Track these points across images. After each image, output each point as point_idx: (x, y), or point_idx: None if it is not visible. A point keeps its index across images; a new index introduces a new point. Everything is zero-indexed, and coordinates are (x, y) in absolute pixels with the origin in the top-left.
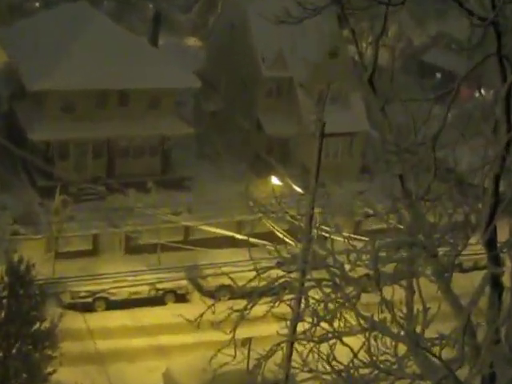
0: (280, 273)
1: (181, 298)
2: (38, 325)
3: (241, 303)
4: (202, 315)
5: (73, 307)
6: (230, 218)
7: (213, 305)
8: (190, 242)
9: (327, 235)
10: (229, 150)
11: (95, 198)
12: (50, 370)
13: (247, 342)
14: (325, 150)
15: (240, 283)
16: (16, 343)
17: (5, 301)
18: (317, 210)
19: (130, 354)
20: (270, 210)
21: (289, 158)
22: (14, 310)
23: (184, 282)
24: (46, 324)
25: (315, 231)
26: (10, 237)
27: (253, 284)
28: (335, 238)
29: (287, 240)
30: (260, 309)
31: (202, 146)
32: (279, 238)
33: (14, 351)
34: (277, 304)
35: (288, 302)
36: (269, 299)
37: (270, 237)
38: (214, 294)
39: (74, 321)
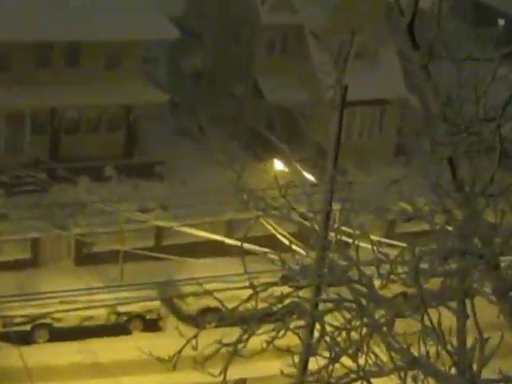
0: (286, 290)
1: (151, 325)
2: None
3: (233, 333)
4: (180, 351)
5: (5, 338)
6: (218, 217)
7: (195, 336)
8: (164, 249)
9: (350, 240)
10: (216, 124)
11: (35, 190)
12: None
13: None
14: (347, 125)
15: (231, 305)
16: None
17: None
18: (335, 206)
19: None
20: (272, 205)
21: (297, 135)
22: None
23: (155, 304)
24: None
25: (333, 235)
26: None
27: (249, 306)
28: (360, 243)
29: (295, 246)
30: (259, 340)
31: (180, 119)
32: (284, 243)
33: None
34: (281, 333)
35: (296, 331)
36: (271, 327)
37: (271, 242)
38: (196, 321)
39: (7, 356)
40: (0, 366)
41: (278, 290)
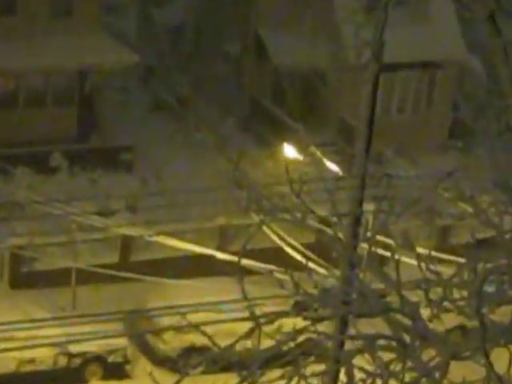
0: (300, 323)
1: (115, 370)
2: None
3: (227, 381)
4: None
5: None
6: (207, 223)
7: None
8: (133, 267)
9: (387, 254)
10: (204, 95)
11: None
12: None
13: None
14: (383, 96)
15: (225, 343)
16: None
17: None
18: (368, 207)
19: None
20: (281, 206)
21: (315, 111)
22: None
23: (121, 342)
24: None
25: (365, 246)
26: None
27: (249, 345)
28: (402, 258)
29: (312, 263)
30: None
31: (155, 90)
32: (297, 259)
33: None
34: (294, 382)
35: (314, 379)
36: (279, 373)
37: (279, 257)
38: (176, 364)
39: None
40: None
41: (288, 323)
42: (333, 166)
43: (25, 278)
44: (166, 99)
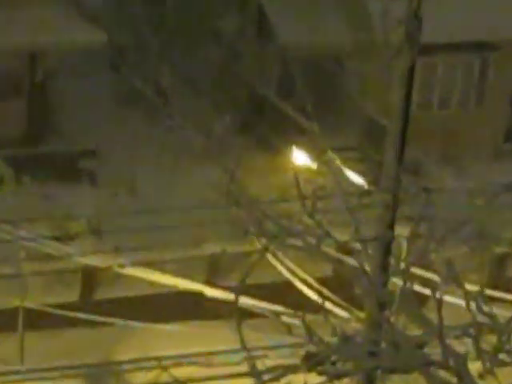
0: (313, 381)
1: None
2: None
3: None
4: None
5: None
6: (194, 250)
7: None
8: (97, 307)
9: (427, 291)
10: (192, 85)
11: None
12: None
13: None
14: (421, 86)
15: None
16: None
17: None
18: (401, 231)
19: None
20: (290, 229)
21: (333, 105)
22: None
23: None
24: None
25: (397, 281)
26: None
27: None
28: (446, 296)
29: (330, 303)
30: None
31: (126, 78)
32: (310, 297)
33: None
34: None
35: None
36: None
37: (287, 294)
38: None
39: None
40: None
41: (298, 381)
42: (356, 177)
43: None
44: (141, 90)
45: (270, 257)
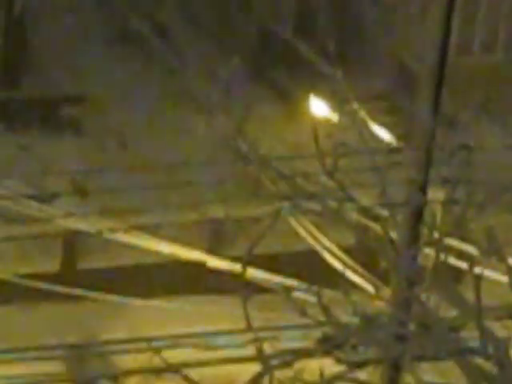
0: (330, 367)
1: None
2: None
3: None
4: None
5: None
6: (194, 214)
7: None
8: (81, 278)
9: (464, 265)
10: (193, 20)
11: None
12: None
13: None
14: (463, 26)
15: None
16: None
17: None
18: (435, 195)
19: None
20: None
21: (359, 47)
22: None
23: None
24: None
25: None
26: None
27: None
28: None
29: (351, 275)
30: None
31: (120, 11)
32: (329, 269)
33: None
34: None
35: None
36: None
37: (301, 266)
38: None
39: None
40: None
41: (313, 367)
42: (383, 132)
43: None
44: (134, 26)
45: (282, 222)
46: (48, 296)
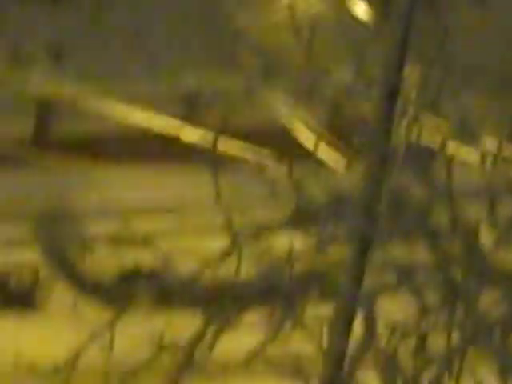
0: (299, 242)
1: (18, 298)
2: None
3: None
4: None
5: None
6: (176, 84)
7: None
8: (52, 145)
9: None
10: None
11: None
12: None
13: None
14: None
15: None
16: None
17: None
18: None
19: None
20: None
21: None
22: None
23: (29, 258)
24: None
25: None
26: None
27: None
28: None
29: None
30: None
31: None
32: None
33: None
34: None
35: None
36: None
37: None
38: (111, 295)
39: None
40: None
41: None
42: (361, 7)
43: None
44: None
45: (258, 96)
46: (15, 165)
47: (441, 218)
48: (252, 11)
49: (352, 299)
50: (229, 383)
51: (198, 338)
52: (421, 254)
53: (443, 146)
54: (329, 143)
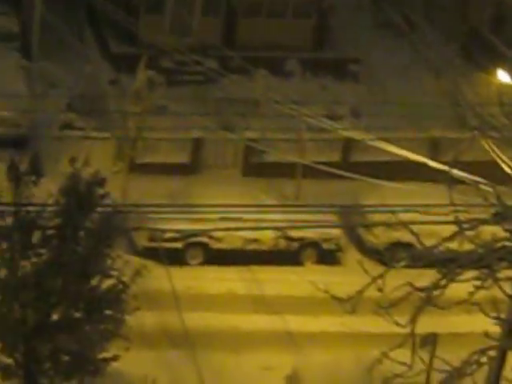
0: (498, 232)
1: (327, 256)
2: (97, 280)
3: (426, 276)
4: (362, 291)
5: (152, 255)
6: (423, 133)
7: (381, 275)
8: (352, 167)
9: None
10: (428, 20)
11: (201, 80)
12: (108, 354)
13: (431, 340)
14: None
15: (428, 242)
16: (59, 305)
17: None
18: None
19: (234, 339)
20: (492, 124)
21: None
22: (63, 254)
23: (335, 232)
24: (111, 281)
25: None
26: (60, 132)
27: (450, 246)
28: None
29: None
30: (459, 289)
31: (382, 8)
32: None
33: (52, 318)
34: (487, 284)
35: (506, 283)
36: (474, 274)
37: (486, 170)
38: (383, 257)
39: (153, 278)
40: (145, 288)
41: (487, 231)
42: None
43: (255, 168)
44: (391, 17)
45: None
46: (331, 176)
47: None
48: (471, 90)
49: None
50: (457, 316)
51: (435, 285)
52: None
53: None
54: None
